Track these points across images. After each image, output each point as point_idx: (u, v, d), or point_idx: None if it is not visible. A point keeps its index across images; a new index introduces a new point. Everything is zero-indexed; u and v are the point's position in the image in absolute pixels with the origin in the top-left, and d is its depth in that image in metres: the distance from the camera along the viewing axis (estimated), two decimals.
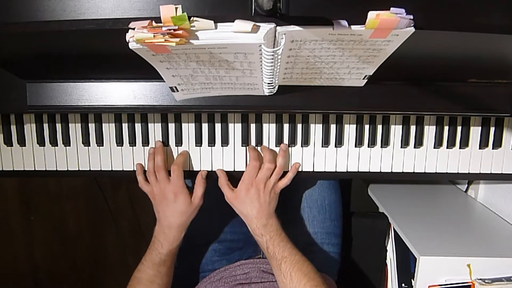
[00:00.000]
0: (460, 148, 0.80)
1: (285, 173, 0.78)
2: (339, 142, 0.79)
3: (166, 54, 0.51)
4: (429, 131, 0.79)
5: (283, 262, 0.68)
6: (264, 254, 0.89)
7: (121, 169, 0.80)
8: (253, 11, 0.50)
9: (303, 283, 0.65)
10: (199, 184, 0.76)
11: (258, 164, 0.75)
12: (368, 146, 0.79)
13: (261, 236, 0.72)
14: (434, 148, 0.80)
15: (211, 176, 0.79)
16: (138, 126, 0.78)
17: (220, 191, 0.77)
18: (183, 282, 0.86)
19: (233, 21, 0.46)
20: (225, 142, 0.78)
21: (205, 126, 0.78)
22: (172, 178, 0.73)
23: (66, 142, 0.78)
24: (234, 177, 0.78)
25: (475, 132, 0.80)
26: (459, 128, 0.79)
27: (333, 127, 0.79)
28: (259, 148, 0.79)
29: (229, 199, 0.76)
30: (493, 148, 0.80)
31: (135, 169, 0.79)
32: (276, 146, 0.79)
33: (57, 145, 0.79)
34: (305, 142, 0.78)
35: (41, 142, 0.78)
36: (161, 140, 0.78)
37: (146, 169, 0.78)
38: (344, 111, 0.75)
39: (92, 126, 0.78)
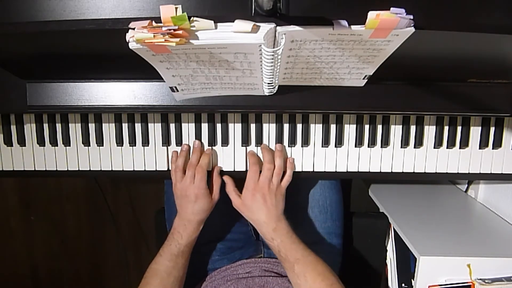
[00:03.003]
0: (460, 148, 0.80)
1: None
2: (339, 142, 0.79)
3: (166, 54, 0.51)
4: (429, 131, 0.79)
5: (296, 264, 0.68)
6: (266, 254, 0.89)
7: (121, 169, 0.80)
8: (253, 11, 0.50)
9: (318, 281, 0.65)
10: (215, 181, 0.77)
11: (258, 169, 0.75)
12: (368, 146, 0.79)
13: (272, 240, 0.72)
14: (434, 148, 0.80)
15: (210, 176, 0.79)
16: (138, 126, 0.78)
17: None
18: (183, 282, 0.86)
19: (233, 21, 0.46)
20: (225, 142, 0.78)
21: (205, 126, 0.78)
22: (196, 179, 0.74)
23: (66, 142, 0.78)
24: (234, 177, 0.79)
25: (475, 132, 0.80)
26: (459, 128, 0.79)
27: (333, 127, 0.79)
28: (259, 149, 0.79)
29: (237, 206, 0.76)
30: (493, 148, 0.80)
31: (135, 169, 0.79)
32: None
33: (57, 145, 0.79)
34: (305, 142, 0.78)
35: (41, 142, 0.78)
36: (196, 139, 0.78)
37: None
38: (344, 111, 0.75)
39: (92, 126, 0.78)
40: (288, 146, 0.79)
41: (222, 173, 0.79)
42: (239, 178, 0.78)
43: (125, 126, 0.78)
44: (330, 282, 0.65)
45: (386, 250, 0.96)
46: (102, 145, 0.79)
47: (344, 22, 0.46)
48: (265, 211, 0.73)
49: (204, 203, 0.75)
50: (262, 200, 0.73)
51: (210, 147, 0.79)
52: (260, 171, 0.75)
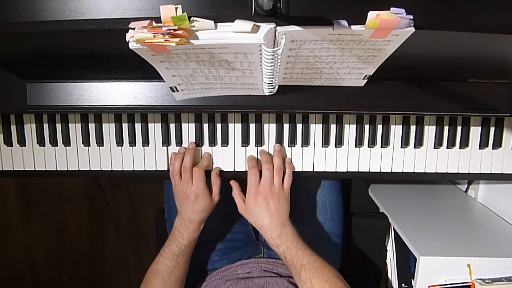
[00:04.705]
0: (460, 148, 0.80)
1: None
2: (339, 142, 0.79)
3: (166, 54, 0.51)
4: (429, 131, 0.79)
5: (303, 270, 0.67)
6: (265, 254, 0.89)
7: (121, 169, 0.80)
8: (253, 11, 0.50)
9: None
10: (214, 182, 0.77)
11: (257, 171, 0.75)
12: (368, 146, 0.79)
13: (277, 246, 0.71)
14: (434, 148, 0.80)
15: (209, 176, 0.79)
16: (138, 126, 0.78)
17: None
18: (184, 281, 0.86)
19: (233, 21, 0.46)
20: (225, 142, 0.78)
21: (205, 126, 0.78)
22: (193, 180, 0.74)
23: (66, 142, 0.78)
24: (234, 178, 0.79)
25: (475, 132, 0.80)
26: (459, 128, 0.79)
27: (333, 127, 0.79)
28: (259, 150, 0.79)
29: (241, 211, 0.76)
30: (493, 148, 0.80)
31: (135, 169, 0.79)
32: None
33: (57, 145, 0.79)
34: (305, 142, 0.78)
35: (41, 142, 0.78)
36: (194, 141, 0.79)
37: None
38: (344, 111, 0.75)
39: (92, 126, 0.78)
40: (288, 146, 0.79)
41: (222, 173, 0.79)
42: (243, 180, 0.78)
43: (125, 126, 0.78)
44: None
45: (386, 250, 0.96)
46: (102, 145, 0.79)
47: (344, 22, 0.46)
48: (268, 216, 0.72)
49: (204, 203, 0.75)
50: (265, 203, 0.72)
51: (210, 149, 0.79)
52: (260, 173, 0.75)
